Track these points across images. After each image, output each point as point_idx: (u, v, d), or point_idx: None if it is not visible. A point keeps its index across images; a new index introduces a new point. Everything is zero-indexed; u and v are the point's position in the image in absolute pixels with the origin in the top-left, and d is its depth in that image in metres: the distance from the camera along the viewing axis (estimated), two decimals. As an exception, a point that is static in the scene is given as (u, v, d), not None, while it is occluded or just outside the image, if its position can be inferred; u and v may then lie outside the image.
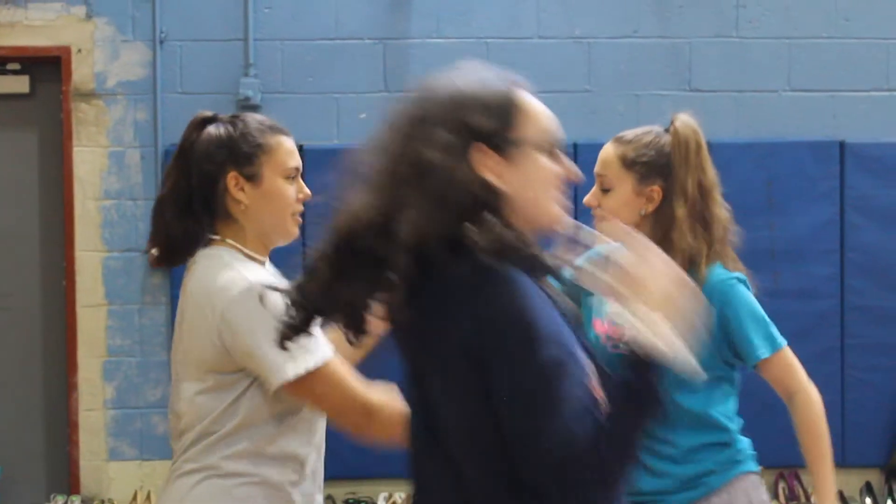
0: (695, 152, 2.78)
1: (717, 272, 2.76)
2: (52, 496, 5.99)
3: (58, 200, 6.10)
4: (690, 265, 2.71)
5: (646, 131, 2.84)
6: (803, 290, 5.93)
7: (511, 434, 1.76)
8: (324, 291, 1.88)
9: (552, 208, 1.91)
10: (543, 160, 1.89)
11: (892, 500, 5.98)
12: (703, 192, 2.78)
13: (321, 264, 1.89)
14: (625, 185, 2.79)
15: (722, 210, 2.82)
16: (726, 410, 2.82)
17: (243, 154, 2.50)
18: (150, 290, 6.07)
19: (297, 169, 2.58)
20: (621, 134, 2.86)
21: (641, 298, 1.75)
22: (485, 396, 1.77)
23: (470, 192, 1.80)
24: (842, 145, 6.14)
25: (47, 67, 6.10)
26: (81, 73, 6.06)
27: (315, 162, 6.64)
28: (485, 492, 1.81)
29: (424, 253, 1.79)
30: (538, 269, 1.86)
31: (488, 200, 1.82)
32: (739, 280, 2.79)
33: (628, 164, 2.79)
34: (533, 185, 1.87)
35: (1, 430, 6.14)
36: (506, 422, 1.76)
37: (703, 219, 2.77)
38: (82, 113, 6.06)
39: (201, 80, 6.12)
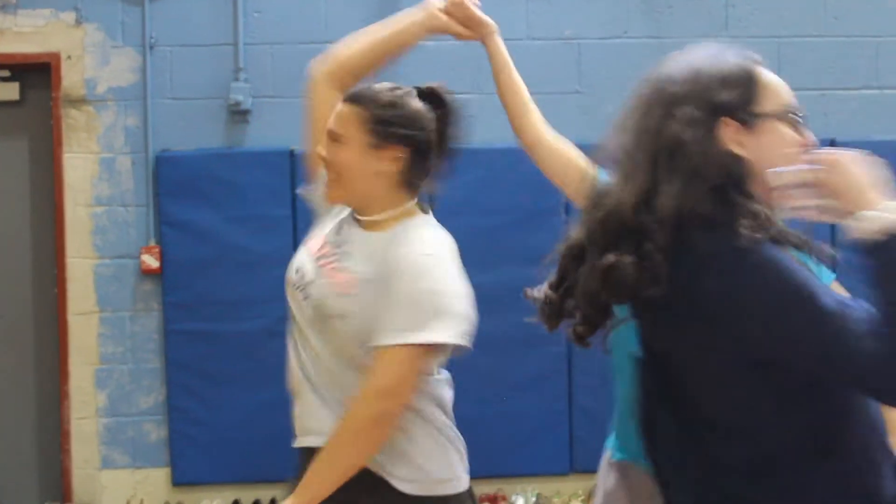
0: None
1: None
2: (45, 504, 5.99)
3: (48, 207, 6.09)
4: None
5: None
6: (796, 289, 5.94)
7: (823, 366, 1.84)
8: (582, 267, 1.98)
9: None
10: (784, 129, 1.99)
11: None
12: None
13: (581, 241, 1.99)
14: None
15: None
16: None
17: None
18: (141, 296, 6.05)
19: (328, 131, 2.76)
20: None
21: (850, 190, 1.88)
22: (747, 366, 1.87)
23: (720, 165, 1.92)
24: (832, 143, 6.14)
25: (37, 74, 6.08)
26: (71, 79, 6.05)
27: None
28: (740, 457, 1.92)
29: (680, 227, 1.89)
30: (786, 242, 1.94)
31: (736, 172, 1.93)
32: None
33: None
34: (775, 154, 1.96)
35: (-7, 439, 6.13)
36: (807, 361, 1.85)
37: None
38: (72, 119, 6.05)
39: (192, 86, 6.11)
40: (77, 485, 6.05)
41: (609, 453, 3.02)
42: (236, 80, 6.05)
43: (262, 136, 6.10)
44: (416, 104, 2.73)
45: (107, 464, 6.09)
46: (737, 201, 1.90)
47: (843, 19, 6.26)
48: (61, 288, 6.05)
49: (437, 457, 2.66)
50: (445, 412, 2.71)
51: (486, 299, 6.45)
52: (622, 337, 2.87)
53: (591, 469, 6.11)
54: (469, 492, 2.71)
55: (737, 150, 1.94)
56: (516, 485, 5.98)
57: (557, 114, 6.17)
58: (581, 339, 2.03)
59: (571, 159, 3.03)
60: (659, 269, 1.88)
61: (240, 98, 6.01)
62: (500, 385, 5.89)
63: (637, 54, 6.20)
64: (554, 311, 2.03)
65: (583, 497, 6.05)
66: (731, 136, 1.94)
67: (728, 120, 1.94)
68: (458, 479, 2.68)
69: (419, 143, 2.69)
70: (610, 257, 1.91)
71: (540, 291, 2.05)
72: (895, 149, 6.45)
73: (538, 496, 6.03)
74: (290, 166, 6.00)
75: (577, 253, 1.99)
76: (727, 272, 1.86)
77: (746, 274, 1.85)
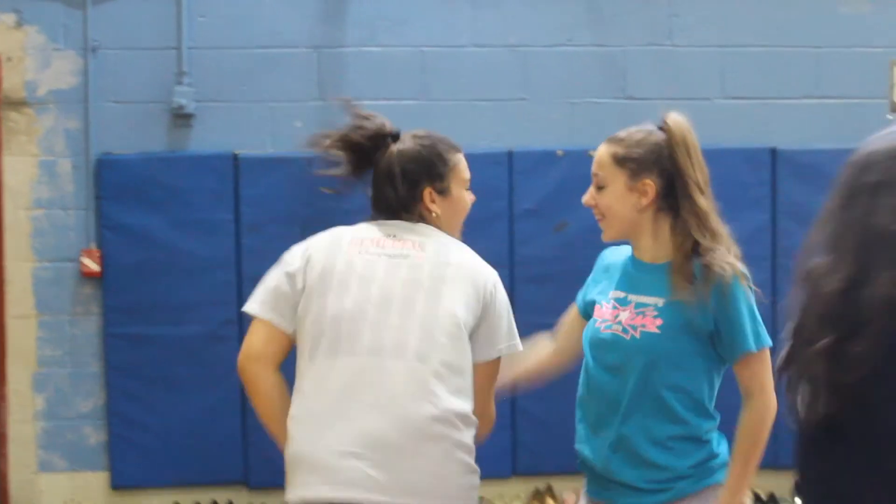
0: (693, 148, 2.91)
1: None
2: (-19, 511, 5.91)
3: (-13, 210, 6.02)
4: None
5: (637, 129, 2.94)
6: (737, 296, 5.97)
7: None
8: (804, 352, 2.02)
9: None
10: None
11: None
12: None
13: (801, 324, 2.04)
14: (617, 182, 2.89)
15: (714, 205, 2.95)
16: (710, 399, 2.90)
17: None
18: (81, 300, 5.99)
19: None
20: (614, 134, 2.96)
21: None
22: None
23: None
24: (773, 152, 6.20)
25: (-24, 75, 6.01)
26: (12, 81, 5.98)
27: (250, 171, 6.60)
28: None
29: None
30: None
31: None
32: (742, 275, 2.86)
33: (619, 161, 2.89)
34: None
35: (-71, 444, 6.03)
36: None
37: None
38: (13, 122, 5.98)
39: (134, 89, 6.06)
40: (14, 489, 5.97)
41: None
42: (180, 83, 6.01)
43: (205, 140, 6.06)
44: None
45: (44, 468, 6.02)
46: None
47: (784, 30, 6.33)
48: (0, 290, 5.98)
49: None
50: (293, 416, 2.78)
51: (429, 305, 6.33)
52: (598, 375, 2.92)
53: (532, 472, 6.14)
54: None
55: None
56: (459, 490, 5.98)
57: (502, 121, 6.25)
58: (825, 417, 2.03)
59: (566, 349, 3.16)
60: (868, 354, 1.92)
61: (183, 102, 5.97)
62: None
63: (582, 62, 6.23)
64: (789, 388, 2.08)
65: (524, 500, 6.07)
66: None
67: None
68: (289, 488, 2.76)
69: None
70: (823, 342, 1.96)
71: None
72: (835, 157, 6.55)
73: (480, 499, 6.03)
74: (234, 170, 5.97)
75: (800, 336, 2.04)
76: None
77: None
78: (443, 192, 2.96)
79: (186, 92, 5.99)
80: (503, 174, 5.97)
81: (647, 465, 2.83)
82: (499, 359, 2.87)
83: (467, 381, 2.76)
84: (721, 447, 2.90)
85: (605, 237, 2.97)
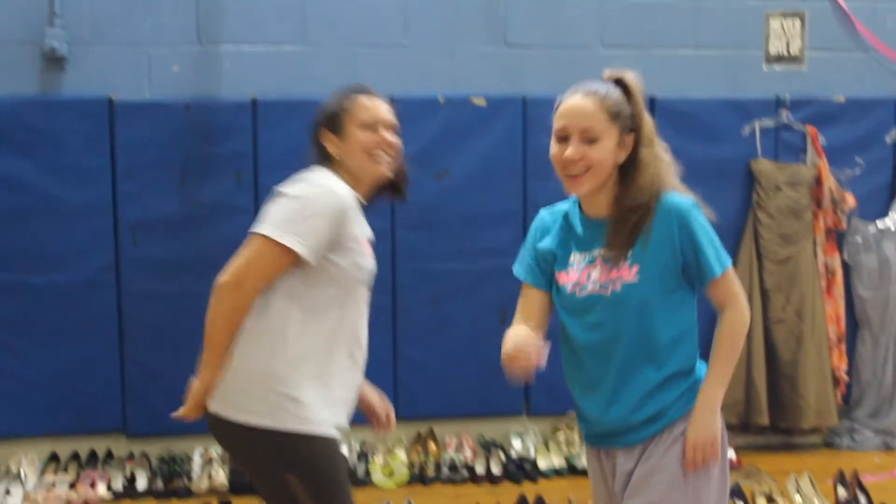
0: (645, 103, 3.01)
1: (674, 198, 2.91)
2: None
3: None
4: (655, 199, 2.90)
5: (602, 84, 3.03)
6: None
7: None
8: None
9: None
10: None
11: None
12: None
13: None
14: (612, 137, 2.92)
15: (665, 152, 3.03)
16: (691, 334, 2.97)
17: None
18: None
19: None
20: (587, 87, 3.00)
21: None
22: None
23: None
24: (652, 101, 6.28)
25: None
26: None
27: (125, 115, 6.42)
28: None
29: None
30: None
31: None
32: (694, 205, 2.92)
33: (614, 116, 2.94)
34: None
35: None
36: None
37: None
38: None
39: (3, 30, 5.89)
40: None
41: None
42: (51, 25, 5.84)
43: (79, 83, 5.92)
44: None
45: None
46: None
47: (662, -20, 6.41)
48: None
49: None
50: None
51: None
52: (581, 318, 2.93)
53: (413, 416, 6.17)
54: None
55: None
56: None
57: (383, 67, 6.19)
58: None
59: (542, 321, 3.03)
60: None
61: (55, 44, 5.81)
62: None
63: (463, 10, 6.22)
64: None
65: (405, 444, 6.10)
66: None
67: None
68: None
69: None
70: None
71: None
72: (710, 107, 6.65)
73: (362, 443, 6.06)
74: (109, 115, 5.85)
75: None
76: None
77: None
78: (336, 130, 3.20)
79: (59, 34, 5.83)
80: (384, 121, 5.94)
81: (642, 409, 2.90)
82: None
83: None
84: (703, 371, 2.98)
85: (580, 190, 2.93)
